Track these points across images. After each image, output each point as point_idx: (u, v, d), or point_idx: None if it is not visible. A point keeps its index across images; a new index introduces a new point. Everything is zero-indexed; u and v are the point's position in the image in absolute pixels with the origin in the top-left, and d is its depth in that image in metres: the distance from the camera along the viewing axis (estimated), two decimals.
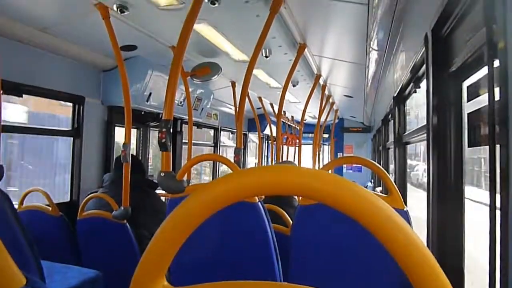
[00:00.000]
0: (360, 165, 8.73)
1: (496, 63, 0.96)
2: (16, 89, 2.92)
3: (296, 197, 3.85)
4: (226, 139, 7.74)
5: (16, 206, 2.34)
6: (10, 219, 1.78)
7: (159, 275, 0.45)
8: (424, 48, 1.76)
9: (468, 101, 1.39)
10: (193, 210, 0.42)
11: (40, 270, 1.80)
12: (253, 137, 9.32)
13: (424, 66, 1.86)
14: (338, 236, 1.72)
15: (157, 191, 3.29)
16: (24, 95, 3.02)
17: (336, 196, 0.39)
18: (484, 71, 1.16)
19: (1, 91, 2.06)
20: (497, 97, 0.96)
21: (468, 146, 1.45)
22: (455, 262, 1.59)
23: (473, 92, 1.29)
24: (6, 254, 0.58)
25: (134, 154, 4.44)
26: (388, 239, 0.38)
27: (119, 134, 4.05)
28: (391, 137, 4.24)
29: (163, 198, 3.72)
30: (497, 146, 0.96)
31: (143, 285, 0.45)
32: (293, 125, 8.32)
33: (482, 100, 1.15)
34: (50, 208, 2.84)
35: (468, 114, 1.41)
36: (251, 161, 9.67)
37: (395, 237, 0.38)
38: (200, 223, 0.42)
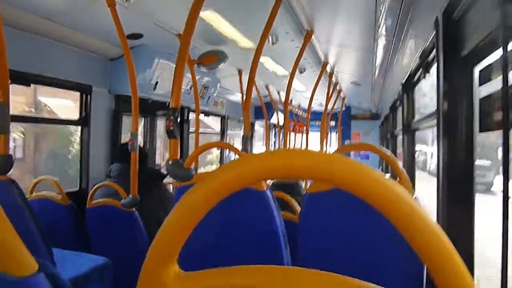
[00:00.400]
0: (367, 152, 8.72)
1: (511, 45, 0.94)
2: (23, 79, 2.93)
3: (303, 186, 3.86)
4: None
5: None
6: (21, 207, 1.80)
7: (171, 261, 0.45)
8: (434, 33, 1.73)
9: (480, 85, 1.37)
10: (201, 196, 0.42)
11: (52, 257, 1.82)
12: (259, 125, 9.29)
13: (434, 51, 1.83)
14: (345, 224, 1.72)
15: (165, 180, 3.31)
16: (31, 85, 3.04)
17: (348, 179, 0.38)
18: (497, 54, 1.13)
19: (9, 81, 2.06)
20: (511, 81, 0.94)
21: (480, 131, 1.43)
22: (465, 248, 1.59)
23: (486, 77, 1.26)
24: (19, 241, 0.58)
25: (141, 143, 4.46)
26: (404, 224, 0.37)
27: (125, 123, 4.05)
28: (399, 125, 4.21)
29: (171, 187, 3.74)
30: (511, 131, 0.95)
31: (154, 271, 0.45)
32: (300, 113, 8.28)
33: (495, 84, 1.13)
34: (60, 197, 2.87)
35: (480, 99, 1.39)
36: (258, 149, 9.66)
37: (412, 223, 0.37)
38: (209, 209, 0.42)
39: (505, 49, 0.97)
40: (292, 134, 8.16)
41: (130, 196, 2.76)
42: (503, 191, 1.02)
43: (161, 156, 6.07)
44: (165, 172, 3.21)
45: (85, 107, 3.63)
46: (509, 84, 0.95)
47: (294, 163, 0.38)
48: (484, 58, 1.36)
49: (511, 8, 0.93)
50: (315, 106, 8.30)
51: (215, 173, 0.42)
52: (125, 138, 3.81)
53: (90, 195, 2.87)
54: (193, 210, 0.42)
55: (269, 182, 5.19)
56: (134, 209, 2.75)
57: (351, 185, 0.37)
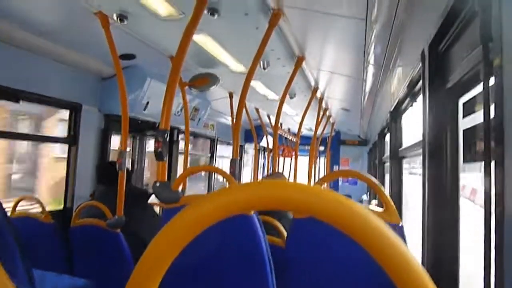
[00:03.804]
0: (355, 179, 8.74)
1: (492, 80, 0.97)
2: (12, 95, 2.91)
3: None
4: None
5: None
6: (1, 225, 1.76)
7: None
8: (421, 64, 1.78)
9: (463, 117, 1.40)
10: (188, 223, 0.42)
11: (31, 279, 1.77)
12: (249, 148, 9.30)
13: (421, 81, 1.88)
14: (333, 250, 1.71)
15: (152, 201, 3.26)
16: (21, 101, 3.02)
17: (327, 210, 0.39)
18: (480, 88, 1.16)
19: None
20: (492, 115, 0.97)
21: (464, 162, 1.46)
22: (449, 280, 1.59)
23: (469, 109, 1.30)
24: None
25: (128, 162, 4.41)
26: (381, 256, 0.38)
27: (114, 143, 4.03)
28: (387, 151, 4.25)
29: (157, 208, 3.69)
30: (492, 163, 0.97)
31: None
32: (290, 137, 8.32)
33: (478, 117, 1.15)
34: (43, 216, 2.81)
35: (464, 130, 1.42)
36: (248, 173, 9.64)
37: (389, 254, 0.37)
38: (195, 236, 0.42)
39: (486, 83, 1.00)
40: (281, 158, 8.17)
41: (116, 217, 2.71)
42: (485, 221, 1.03)
43: (151, 176, 6.02)
44: (150, 191, 3.17)
45: (74, 125, 3.61)
46: (491, 118, 0.98)
47: (274, 196, 0.40)
48: (469, 91, 1.40)
49: (492, 45, 0.97)
50: (305, 131, 8.37)
51: (203, 200, 0.42)
52: (112, 157, 3.78)
53: (75, 214, 2.81)
54: (178, 237, 0.42)
55: None
56: (119, 230, 2.70)
57: (328, 217, 0.38)
